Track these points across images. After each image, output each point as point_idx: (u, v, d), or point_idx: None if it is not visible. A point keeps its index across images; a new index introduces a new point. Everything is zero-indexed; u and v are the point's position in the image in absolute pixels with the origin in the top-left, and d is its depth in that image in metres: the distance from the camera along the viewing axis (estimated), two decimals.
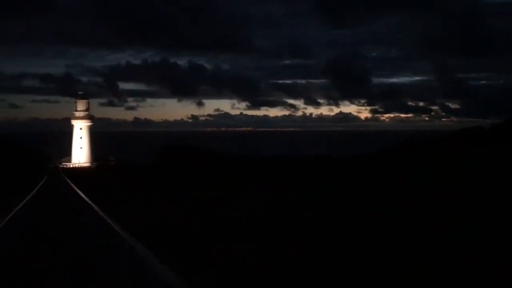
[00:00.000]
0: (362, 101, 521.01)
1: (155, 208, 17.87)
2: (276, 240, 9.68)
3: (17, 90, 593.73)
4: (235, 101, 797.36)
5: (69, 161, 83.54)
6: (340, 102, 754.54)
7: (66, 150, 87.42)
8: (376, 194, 16.07)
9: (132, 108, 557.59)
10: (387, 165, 26.81)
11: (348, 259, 7.66)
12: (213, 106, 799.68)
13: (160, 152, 74.75)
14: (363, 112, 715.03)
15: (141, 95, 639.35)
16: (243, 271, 7.22)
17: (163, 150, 76.43)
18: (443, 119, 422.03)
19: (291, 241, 9.48)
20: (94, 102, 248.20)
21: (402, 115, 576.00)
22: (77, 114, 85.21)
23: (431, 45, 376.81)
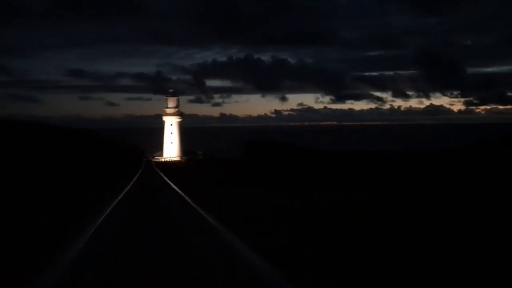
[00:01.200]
0: (455, 92, 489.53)
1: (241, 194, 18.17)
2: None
3: (114, 88, 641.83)
4: (319, 95, 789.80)
5: (161, 155, 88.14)
6: (430, 94, 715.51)
7: (158, 145, 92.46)
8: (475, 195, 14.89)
9: (218, 104, 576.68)
10: (488, 159, 24.78)
11: None
12: (296, 100, 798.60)
13: (245, 147, 76.22)
14: (456, 104, 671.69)
15: (227, 91, 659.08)
16: None
17: (247, 144, 77.84)
18: None
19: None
20: (183, 99, 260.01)
21: (500, 107, 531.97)
22: (168, 110, 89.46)
23: None
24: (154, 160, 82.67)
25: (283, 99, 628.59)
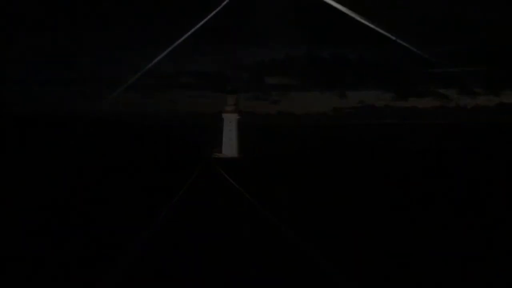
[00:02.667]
0: None
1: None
2: None
3: (175, 86, 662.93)
4: (380, 92, 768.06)
5: (219, 151, 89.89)
6: (500, 92, 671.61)
7: (216, 142, 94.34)
8: None
9: (276, 102, 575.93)
10: None
11: None
12: (356, 98, 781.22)
13: (302, 144, 75.86)
14: None
15: (285, 89, 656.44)
16: None
17: (304, 142, 77.43)
18: None
19: None
20: (242, 96, 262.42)
21: None
22: (226, 108, 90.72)
23: None
24: (213, 156, 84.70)
25: (343, 96, 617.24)
